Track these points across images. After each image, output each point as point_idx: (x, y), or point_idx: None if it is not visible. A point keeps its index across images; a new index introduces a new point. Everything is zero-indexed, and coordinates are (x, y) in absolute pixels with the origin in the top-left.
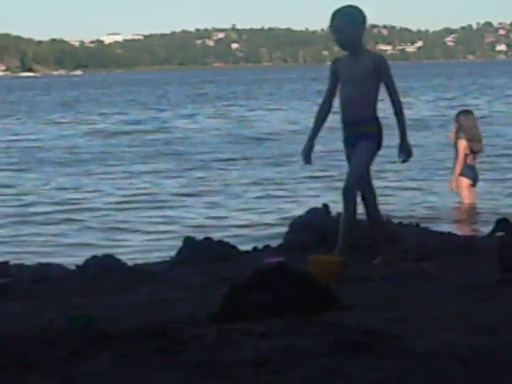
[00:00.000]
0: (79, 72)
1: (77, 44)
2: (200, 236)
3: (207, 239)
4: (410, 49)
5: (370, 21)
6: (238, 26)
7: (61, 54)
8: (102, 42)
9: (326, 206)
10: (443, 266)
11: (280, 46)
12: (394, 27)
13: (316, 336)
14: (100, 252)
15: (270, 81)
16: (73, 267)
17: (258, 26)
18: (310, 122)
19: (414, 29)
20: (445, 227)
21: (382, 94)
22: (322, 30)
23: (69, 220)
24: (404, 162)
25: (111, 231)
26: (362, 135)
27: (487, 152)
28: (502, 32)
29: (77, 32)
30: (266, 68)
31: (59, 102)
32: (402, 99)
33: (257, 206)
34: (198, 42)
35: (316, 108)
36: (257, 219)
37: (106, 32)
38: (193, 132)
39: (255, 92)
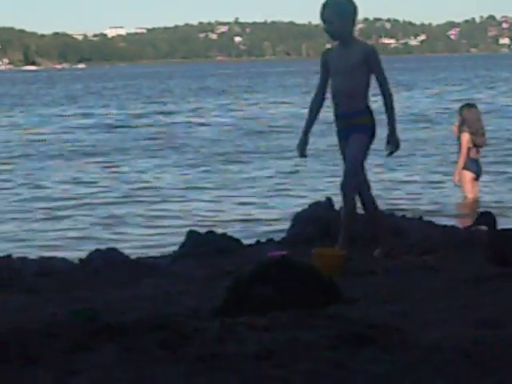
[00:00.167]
0: (82, 65)
1: (80, 37)
2: (203, 230)
3: (210, 233)
4: (413, 42)
5: (373, 14)
6: (241, 20)
7: (64, 47)
8: (105, 35)
9: (329, 199)
10: (447, 259)
11: (283, 40)
12: (397, 21)
13: (319, 329)
14: (103, 246)
15: (273, 74)
16: (76, 261)
17: (261, 20)
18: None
19: (418, 22)
20: (448, 221)
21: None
22: None
23: (72, 214)
24: (391, 154)
25: (114, 225)
26: (355, 127)
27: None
28: (505, 25)
29: (80, 25)
30: (269, 61)
31: (62, 96)
32: (406, 92)
33: (260, 201)
34: (201, 35)
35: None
36: (260, 213)
37: (109, 25)
38: (197, 125)
39: (259, 85)
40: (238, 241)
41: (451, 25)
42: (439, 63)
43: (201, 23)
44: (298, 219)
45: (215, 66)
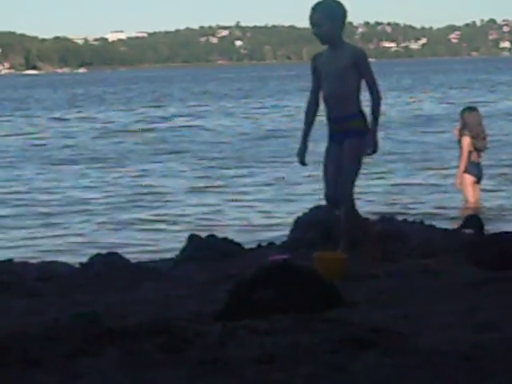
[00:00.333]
0: (83, 70)
1: (81, 42)
2: (204, 234)
3: (212, 237)
4: (414, 46)
5: (373, 18)
6: (242, 24)
7: (65, 51)
8: (105, 39)
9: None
10: (448, 263)
11: (284, 44)
12: (397, 24)
13: (321, 333)
14: (104, 250)
15: (274, 78)
16: (77, 265)
17: (262, 24)
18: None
19: (418, 26)
20: (449, 224)
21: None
22: None
23: (73, 218)
24: (368, 155)
25: (116, 229)
26: (349, 132)
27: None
28: (505, 29)
29: (81, 30)
30: (270, 65)
31: (63, 100)
32: (407, 95)
33: (262, 205)
34: (202, 39)
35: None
36: (261, 217)
37: (110, 29)
38: (198, 129)
39: (261, 89)
40: (239, 245)
41: (452, 28)
42: (440, 67)
43: (202, 27)
44: (299, 223)
45: (216, 70)
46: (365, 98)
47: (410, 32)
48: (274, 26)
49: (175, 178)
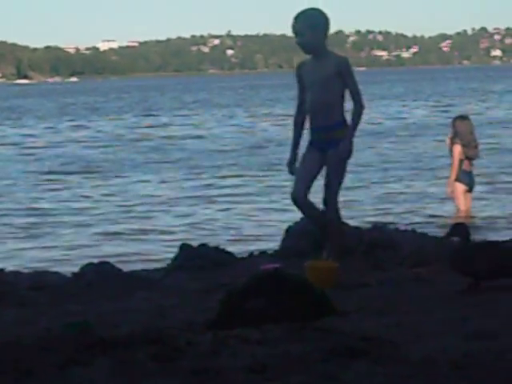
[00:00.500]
0: (75, 79)
1: (72, 51)
2: (196, 243)
3: (203, 246)
4: (406, 54)
5: (365, 26)
6: (233, 33)
7: (56, 60)
8: (97, 48)
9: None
10: (440, 271)
11: (275, 52)
12: (389, 33)
13: (312, 342)
14: (96, 259)
15: (266, 87)
16: (69, 274)
17: (253, 33)
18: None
19: (410, 34)
20: (441, 233)
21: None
22: None
23: (64, 228)
24: (339, 158)
25: (109, 238)
26: (334, 142)
27: None
28: (497, 37)
29: (72, 39)
30: (262, 74)
31: (55, 109)
32: (398, 104)
33: (254, 214)
34: (194, 48)
35: None
36: (253, 226)
37: (102, 39)
38: (190, 138)
39: (253, 98)
40: (230, 254)
41: (443, 37)
42: (432, 75)
43: (193, 36)
44: (291, 232)
45: (208, 78)
46: (350, 106)
47: (401, 40)
48: (265, 35)
49: (167, 187)
